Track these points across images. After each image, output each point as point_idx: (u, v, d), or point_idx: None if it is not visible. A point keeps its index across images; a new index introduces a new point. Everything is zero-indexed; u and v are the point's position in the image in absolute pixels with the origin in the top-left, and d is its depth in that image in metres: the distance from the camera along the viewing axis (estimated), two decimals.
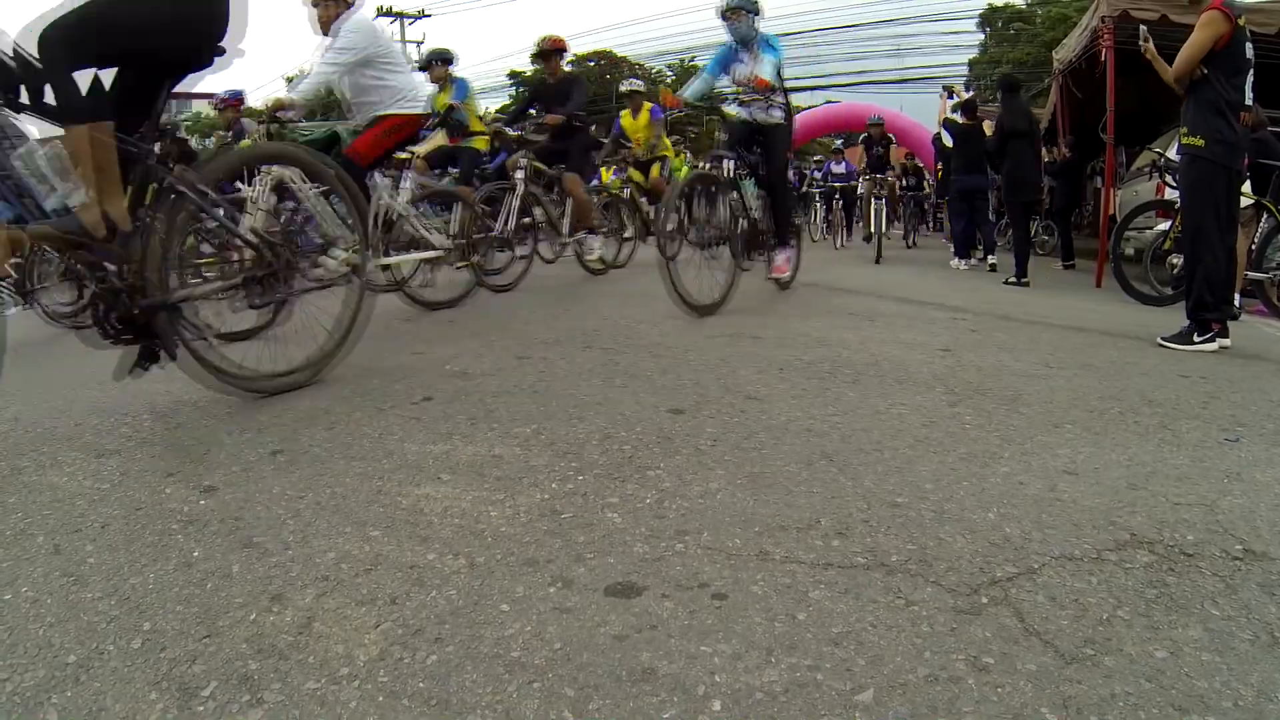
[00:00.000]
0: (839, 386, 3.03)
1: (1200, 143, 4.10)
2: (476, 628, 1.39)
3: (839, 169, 15.28)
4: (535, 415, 2.68)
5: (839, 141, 19.00)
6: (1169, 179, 6.77)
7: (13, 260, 3.33)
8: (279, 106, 4.52)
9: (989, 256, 9.55)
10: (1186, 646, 1.31)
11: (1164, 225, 6.58)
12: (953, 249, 9.98)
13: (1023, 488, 2.01)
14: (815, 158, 20.28)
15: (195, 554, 1.71)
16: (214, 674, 1.28)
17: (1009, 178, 8.29)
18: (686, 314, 4.64)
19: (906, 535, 1.72)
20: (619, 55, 42.34)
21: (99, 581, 1.61)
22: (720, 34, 5.53)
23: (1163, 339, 4.16)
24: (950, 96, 9.94)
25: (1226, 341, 4.13)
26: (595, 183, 9.08)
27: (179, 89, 2.86)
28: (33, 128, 2.58)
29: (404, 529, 1.81)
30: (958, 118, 9.35)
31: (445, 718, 1.17)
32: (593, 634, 1.35)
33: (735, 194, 5.19)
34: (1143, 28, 5.05)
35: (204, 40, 2.76)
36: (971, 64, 30.60)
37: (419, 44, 35.80)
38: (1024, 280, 7.81)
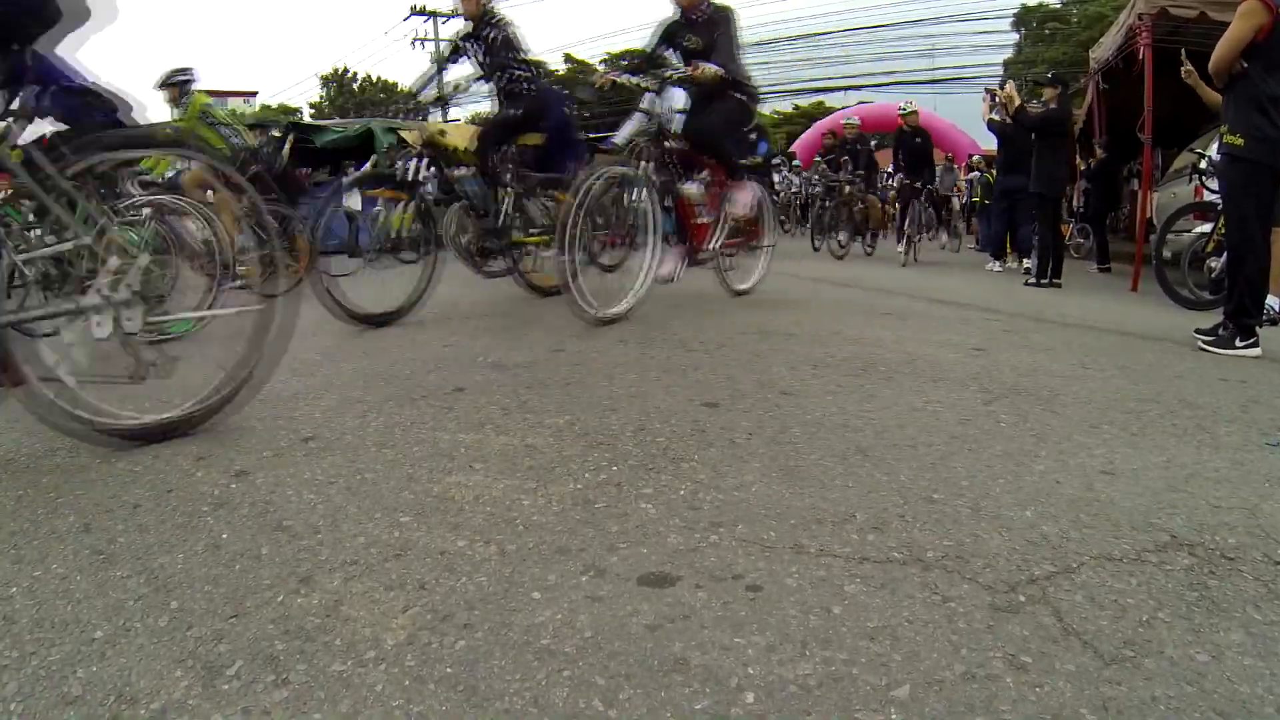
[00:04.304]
0: (873, 383, 3.01)
1: (1240, 141, 3.99)
2: (506, 614, 1.39)
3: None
4: (569, 406, 2.69)
5: (872, 143, 18.73)
6: (1206, 182, 6.66)
7: None
8: None
9: (1024, 260, 9.37)
10: (1228, 650, 1.29)
11: (1203, 227, 6.47)
12: (987, 250, 9.92)
13: (1060, 487, 1.99)
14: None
15: (224, 536, 1.74)
16: (239, 653, 1.29)
17: (1039, 171, 8.11)
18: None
19: (943, 531, 1.70)
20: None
21: (128, 560, 1.63)
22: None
23: (1203, 343, 4.09)
24: (992, 99, 9.80)
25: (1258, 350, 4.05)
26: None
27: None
28: None
29: (434, 516, 1.82)
30: (996, 116, 9.23)
31: (473, 703, 1.17)
32: (624, 623, 1.35)
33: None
34: (1186, 61, 4.97)
35: None
36: (1007, 64, 30.25)
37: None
38: (1055, 281, 7.72)
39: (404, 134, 17.34)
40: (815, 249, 11.37)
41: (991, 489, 1.96)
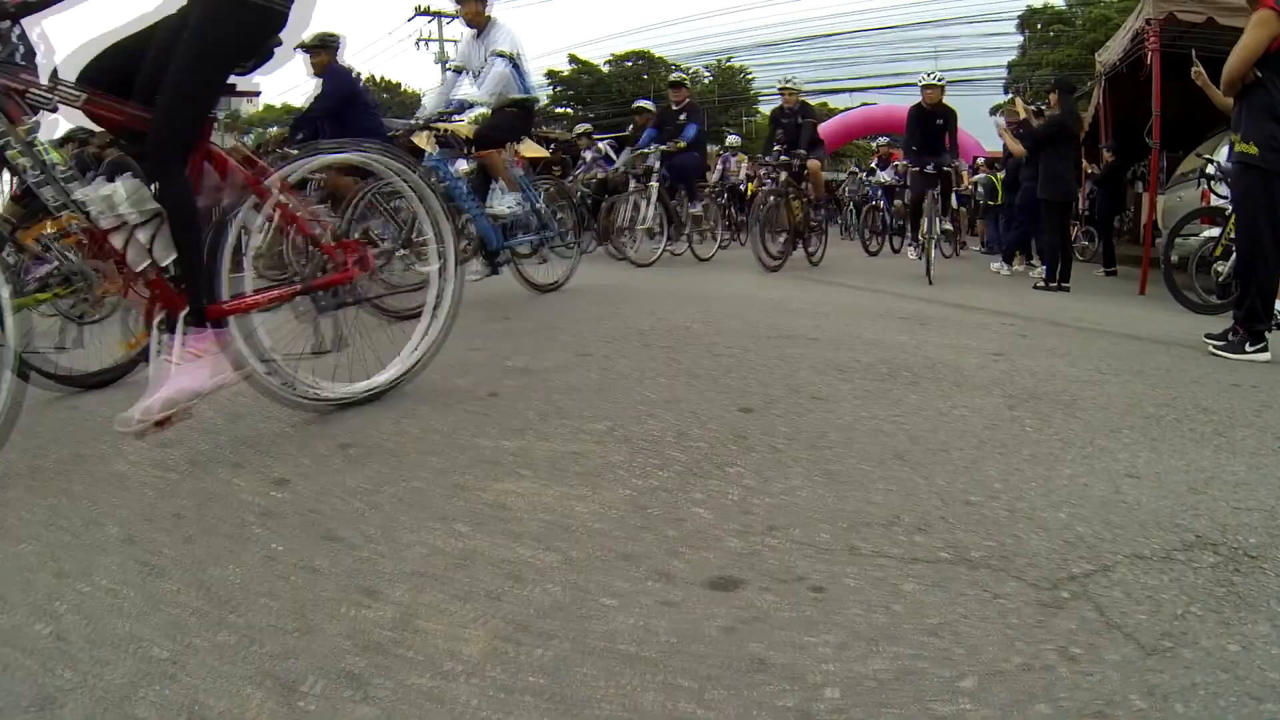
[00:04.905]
0: (899, 389, 3.13)
1: (1254, 150, 4.09)
2: (583, 622, 1.44)
3: (886, 176, 14.57)
4: (606, 412, 2.76)
5: (882, 140, 18.61)
6: (1214, 187, 6.77)
7: None
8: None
9: (1035, 264, 9.41)
10: (1257, 641, 1.40)
11: (1211, 232, 6.59)
12: (995, 251, 9.98)
13: (1088, 489, 2.10)
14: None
15: (276, 547, 1.74)
16: (314, 670, 1.29)
17: (1047, 174, 8.19)
18: None
19: (984, 532, 1.82)
20: (657, 56, 42.44)
21: (178, 573, 1.62)
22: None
23: (1214, 348, 4.21)
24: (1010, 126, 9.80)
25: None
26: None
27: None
28: None
29: (491, 524, 1.86)
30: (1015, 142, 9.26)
31: (567, 712, 1.20)
32: (700, 626, 1.43)
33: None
34: (1196, 62, 5.07)
35: None
36: (1011, 66, 30.35)
37: (458, 43, 36.17)
38: (1063, 285, 7.83)
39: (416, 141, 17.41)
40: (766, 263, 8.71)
41: (1024, 492, 2.07)
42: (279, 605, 1.50)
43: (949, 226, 8.34)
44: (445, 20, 36.52)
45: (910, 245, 10.47)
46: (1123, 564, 1.68)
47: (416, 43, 36.30)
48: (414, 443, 2.44)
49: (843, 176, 17.29)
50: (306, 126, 6.61)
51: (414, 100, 45.37)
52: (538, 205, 5.85)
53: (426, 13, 36.38)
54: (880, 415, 2.75)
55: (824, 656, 1.34)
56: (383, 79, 48.75)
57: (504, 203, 5.46)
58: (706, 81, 38.86)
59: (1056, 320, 5.34)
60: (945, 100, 9.35)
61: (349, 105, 6.35)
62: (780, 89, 10.08)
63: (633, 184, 9.09)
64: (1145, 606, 1.50)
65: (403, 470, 2.21)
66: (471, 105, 5.42)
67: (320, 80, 6.57)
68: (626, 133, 12.10)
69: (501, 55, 5.33)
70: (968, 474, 2.20)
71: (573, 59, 41.71)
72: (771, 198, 9.03)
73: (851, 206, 15.59)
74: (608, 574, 1.63)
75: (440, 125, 5.42)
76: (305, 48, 6.48)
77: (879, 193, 14.22)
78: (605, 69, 40.42)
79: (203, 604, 1.50)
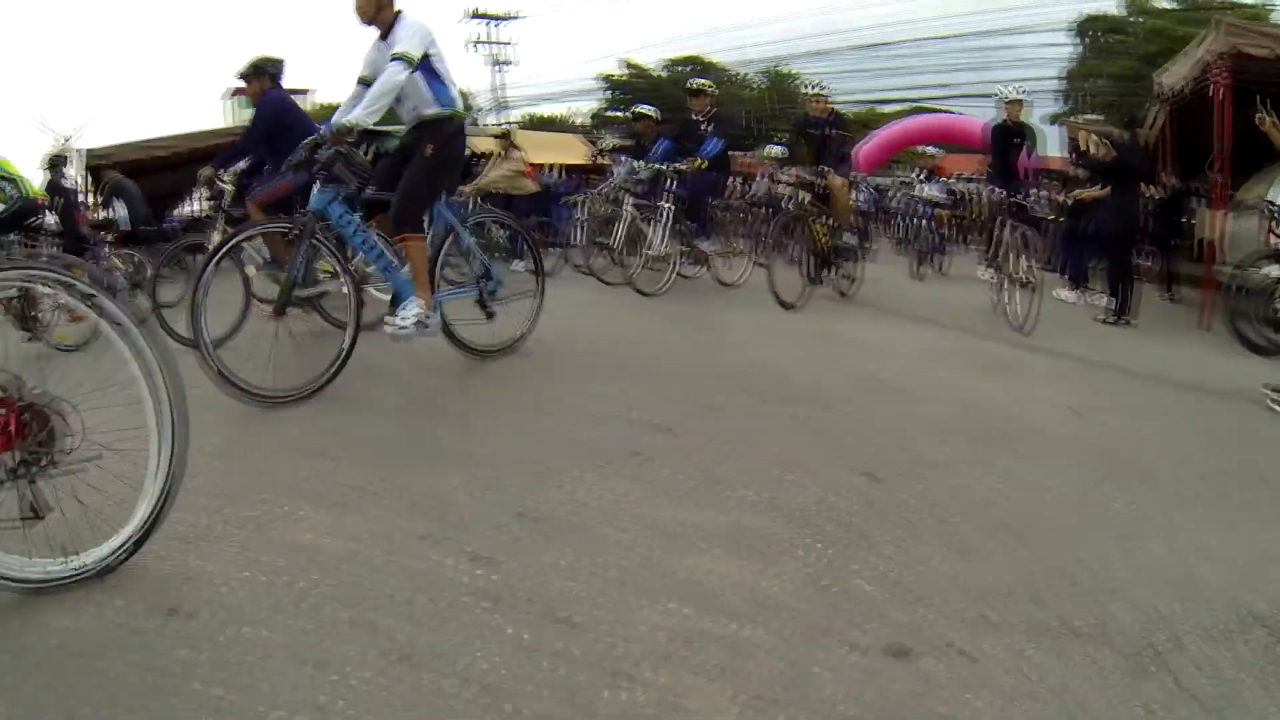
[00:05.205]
0: (995, 454, 3.68)
1: None
2: (806, 690, 1.90)
3: (933, 191, 13.84)
4: (751, 479, 3.18)
5: (930, 150, 18.10)
6: (1276, 228, 7.04)
7: None
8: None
9: (1091, 286, 9.36)
10: None
11: (1274, 270, 6.81)
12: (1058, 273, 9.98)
13: (1166, 567, 2.67)
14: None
15: (511, 631, 2.07)
16: None
17: (1114, 208, 8.41)
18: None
19: (1084, 605, 2.39)
20: (707, 61, 42.73)
21: (433, 662, 1.91)
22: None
23: (1272, 400, 4.61)
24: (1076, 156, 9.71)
25: None
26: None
27: None
28: None
29: (695, 601, 2.26)
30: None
31: None
32: (892, 690, 1.93)
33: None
34: (1263, 109, 5.43)
35: None
36: (1069, 77, 30.02)
37: (508, 45, 36.97)
38: (1128, 319, 7.94)
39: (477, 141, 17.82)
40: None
41: (1115, 568, 2.64)
42: (546, 693, 1.82)
43: (1032, 278, 7.32)
44: (496, 24, 37.21)
45: (984, 265, 9.20)
46: (1191, 636, 2.24)
47: (466, 45, 36.92)
48: (589, 513, 2.84)
49: (887, 181, 16.73)
50: (234, 159, 6.25)
51: (462, 96, 46.11)
52: (472, 248, 5.01)
53: (478, 15, 37.04)
54: (985, 484, 3.30)
55: (985, 713, 1.92)
56: None
57: (405, 312, 4.36)
58: (759, 87, 39.15)
59: (1126, 368, 5.83)
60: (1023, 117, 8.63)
61: (284, 133, 5.70)
62: (809, 96, 9.01)
63: (628, 200, 8.37)
64: (1207, 674, 2.07)
65: (590, 544, 2.60)
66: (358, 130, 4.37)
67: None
68: (629, 142, 10.87)
69: (398, 58, 4.29)
70: (1067, 549, 2.76)
71: (627, 63, 42.24)
72: (787, 222, 8.31)
73: (900, 219, 14.63)
74: (810, 646, 2.10)
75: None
76: (241, 75, 6.21)
77: (922, 207, 13.09)
78: (660, 73, 40.87)
79: (472, 693, 1.82)
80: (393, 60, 4.29)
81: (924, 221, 12.64)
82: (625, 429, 3.76)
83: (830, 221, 8.14)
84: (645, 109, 10.32)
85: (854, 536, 2.80)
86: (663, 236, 8.04)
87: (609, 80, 42.53)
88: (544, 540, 2.61)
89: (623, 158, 10.10)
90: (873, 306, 8.33)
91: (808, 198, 8.09)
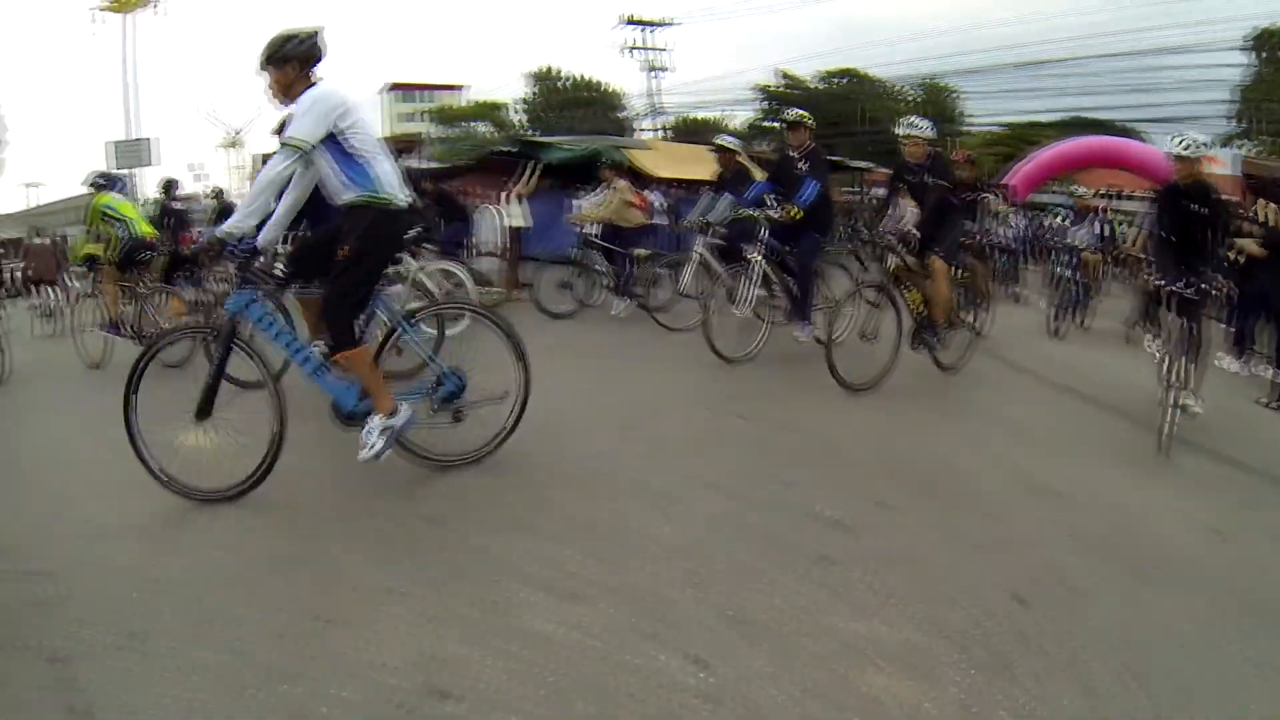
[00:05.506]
0: (1135, 583, 3.82)
1: None
2: None
3: (1080, 236, 13.17)
4: (916, 592, 3.44)
5: (1080, 190, 17.35)
6: None
7: None
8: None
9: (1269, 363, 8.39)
10: None
11: None
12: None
13: None
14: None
15: None
16: None
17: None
18: None
19: None
20: (863, 74, 42.49)
21: None
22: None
23: None
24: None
25: None
26: None
27: None
28: None
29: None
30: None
31: None
32: None
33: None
34: None
35: None
36: (1245, 94, 28.53)
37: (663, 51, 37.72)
38: None
39: (633, 155, 18.14)
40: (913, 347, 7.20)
41: None
42: None
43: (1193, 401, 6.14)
44: (650, 30, 37.91)
45: (1150, 338, 7.78)
46: None
47: (621, 50, 37.79)
48: (785, 619, 3.20)
49: (1045, 199, 16.14)
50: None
51: (615, 98, 47.19)
52: (433, 360, 4.63)
53: (633, 21, 37.86)
54: (1125, 619, 3.50)
55: None
56: (583, 78, 50.69)
57: (369, 438, 4.17)
58: (914, 100, 38.82)
59: None
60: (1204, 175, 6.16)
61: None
62: (902, 137, 7.10)
63: (699, 242, 8.43)
64: None
65: (790, 656, 2.98)
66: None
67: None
68: (708, 178, 9.91)
69: (283, 146, 3.93)
70: (1215, 709, 3.00)
71: (783, 74, 42.45)
72: (867, 291, 6.97)
73: (1053, 258, 13.52)
74: None
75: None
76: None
77: (1067, 256, 12.23)
78: (816, 85, 41.02)
79: None
80: (280, 148, 3.97)
81: (1068, 272, 11.87)
82: (804, 527, 4.10)
83: (923, 308, 7.03)
84: (728, 140, 9.79)
85: (1002, 667, 3.05)
86: (750, 297, 7.32)
87: (765, 90, 42.80)
88: (750, 647, 3.02)
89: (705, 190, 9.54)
90: (1010, 364, 8.57)
91: (894, 263, 6.98)
